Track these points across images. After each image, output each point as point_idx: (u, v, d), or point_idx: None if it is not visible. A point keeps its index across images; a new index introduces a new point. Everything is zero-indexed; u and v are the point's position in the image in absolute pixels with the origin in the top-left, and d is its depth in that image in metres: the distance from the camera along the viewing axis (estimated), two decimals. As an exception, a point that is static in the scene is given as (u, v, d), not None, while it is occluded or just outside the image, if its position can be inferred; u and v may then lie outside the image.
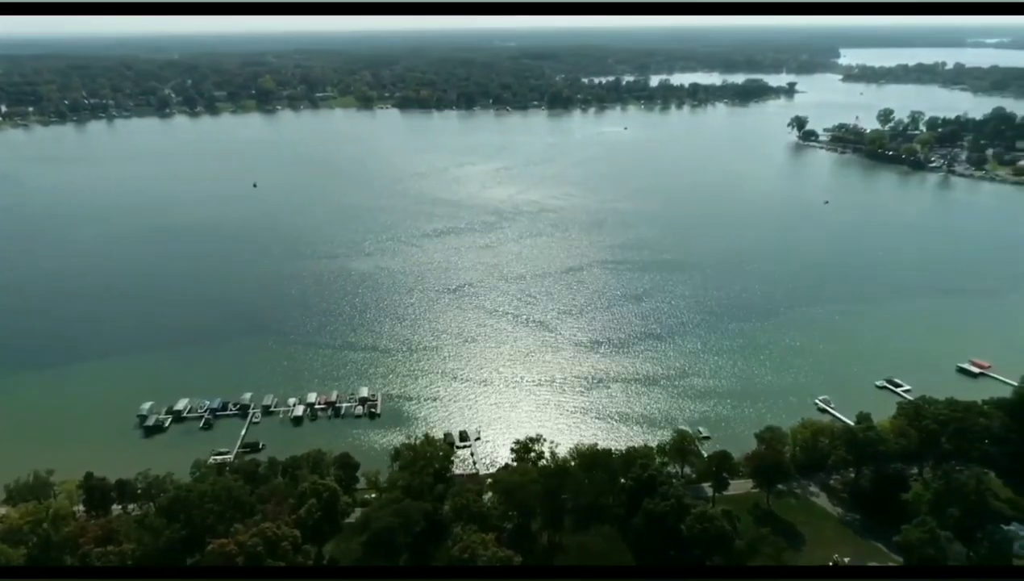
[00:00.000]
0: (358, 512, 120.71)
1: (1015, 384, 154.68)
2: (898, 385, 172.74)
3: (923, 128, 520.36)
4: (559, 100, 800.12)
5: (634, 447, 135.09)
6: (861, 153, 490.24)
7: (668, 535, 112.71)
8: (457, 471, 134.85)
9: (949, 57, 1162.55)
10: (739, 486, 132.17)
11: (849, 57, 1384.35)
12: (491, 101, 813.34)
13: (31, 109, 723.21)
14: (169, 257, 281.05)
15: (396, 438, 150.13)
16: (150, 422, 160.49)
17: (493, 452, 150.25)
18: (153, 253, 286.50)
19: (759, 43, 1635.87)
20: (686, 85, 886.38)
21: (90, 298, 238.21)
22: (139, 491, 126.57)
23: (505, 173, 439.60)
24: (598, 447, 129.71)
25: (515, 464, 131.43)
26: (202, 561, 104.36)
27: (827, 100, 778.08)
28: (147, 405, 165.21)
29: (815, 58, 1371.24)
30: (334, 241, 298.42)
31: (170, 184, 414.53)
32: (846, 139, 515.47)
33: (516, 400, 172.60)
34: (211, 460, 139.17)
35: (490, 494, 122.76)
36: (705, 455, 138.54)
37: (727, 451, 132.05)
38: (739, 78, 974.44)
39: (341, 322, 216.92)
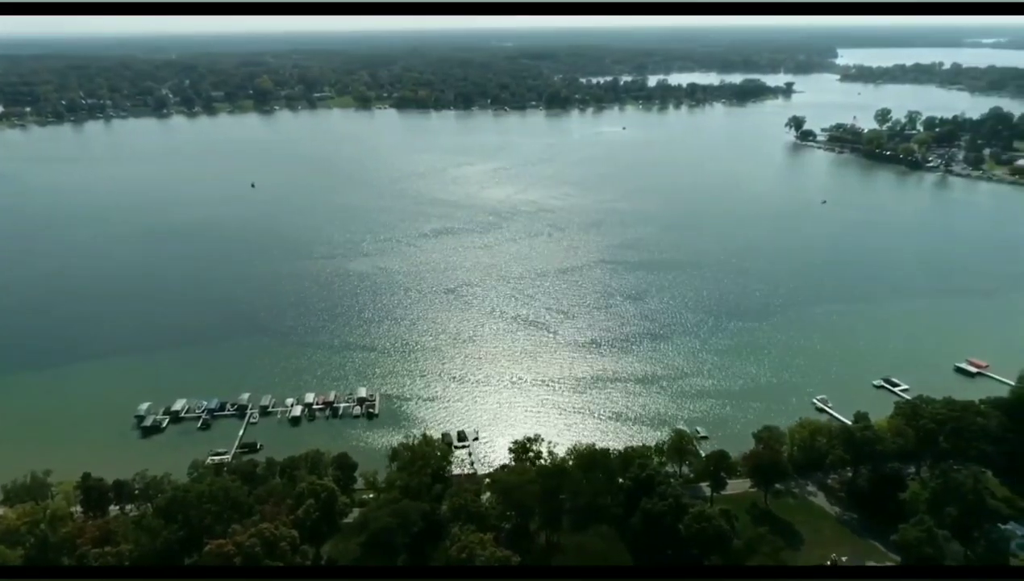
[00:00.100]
0: (356, 512, 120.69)
1: (1012, 384, 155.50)
2: (895, 385, 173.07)
3: (920, 128, 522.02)
4: (557, 100, 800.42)
5: (632, 447, 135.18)
6: (859, 153, 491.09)
7: (666, 535, 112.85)
8: (455, 471, 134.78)
9: (946, 57, 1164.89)
10: (737, 486, 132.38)
11: (847, 57, 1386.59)
12: (489, 101, 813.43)
13: (28, 109, 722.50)
14: (167, 257, 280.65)
15: (394, 438, 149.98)
16: (148, 422, 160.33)
17: (491, 452, 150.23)
18: (151, 253, 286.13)
19: (757, 43, 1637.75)
20: (684, 85, 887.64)
21: (87, 298, 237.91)
22: (137, 492, 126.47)
23: (503, 173, 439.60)
24: (596, 447, 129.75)
25: (513, 464, 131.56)
26: (200, 562, 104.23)
27: (825, 100, 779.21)
28: (145, 405, 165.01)
29: (813, 58, 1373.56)
30: (332, 241, 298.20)
31: (168, 184, 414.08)
32: (844, 139, 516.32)
33: (514, 400, 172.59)
34: (209, 461, 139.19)
35: (488, 494, 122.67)
36: (703, 455, 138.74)
37: (725, 451, 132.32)
38: (737, 78, 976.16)
39: (339, 322, 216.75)
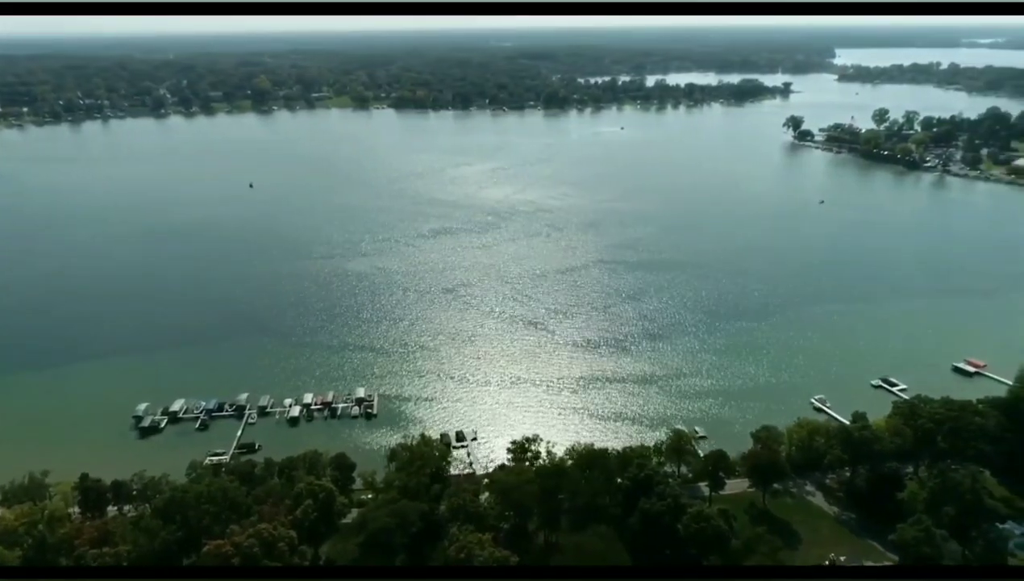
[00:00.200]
0: (354, 513, 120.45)
1: (1010, 383, 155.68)
2: (893, 384, 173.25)
3: (918, 128, 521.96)
4: (555, 100, 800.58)
5: (631, 447, 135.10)
6: (856, 153, 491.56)
7: (664, 535, 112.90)
8: (453, 471, 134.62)
9: (944, 57, 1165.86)
10: (735, 485, 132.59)
11: (844, 57, 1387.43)
12: (487, 101, 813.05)
13: (25, 109, 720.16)
14: (166, 257, 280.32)
15: (392, 438, 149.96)
16: (146, 423, 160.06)
17: (490, 452, 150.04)
18: (150, 253, 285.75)
19: (755, 43, 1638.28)
20: (682, 85, 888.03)
21: (86, 298, 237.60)
22: (135, 492, 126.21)
23: (501, 173, 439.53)
24: (595, 447, 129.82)
25: (512, 464, 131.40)
26: (198, 562, 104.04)
27: (822, 100, 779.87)
28: (143, 406, 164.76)
29: (810, 58, 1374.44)
30: (331, 241, 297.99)
31: (166, 184, 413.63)
32: (841, 139, 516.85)
33: (513, 400, 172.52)
34: (207, 461, 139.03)
35: (487, 494, 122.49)
36: (701, 455, 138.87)
37: (723, 450, 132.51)
38: (735, 78, 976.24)
39: (337, 322, 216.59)
